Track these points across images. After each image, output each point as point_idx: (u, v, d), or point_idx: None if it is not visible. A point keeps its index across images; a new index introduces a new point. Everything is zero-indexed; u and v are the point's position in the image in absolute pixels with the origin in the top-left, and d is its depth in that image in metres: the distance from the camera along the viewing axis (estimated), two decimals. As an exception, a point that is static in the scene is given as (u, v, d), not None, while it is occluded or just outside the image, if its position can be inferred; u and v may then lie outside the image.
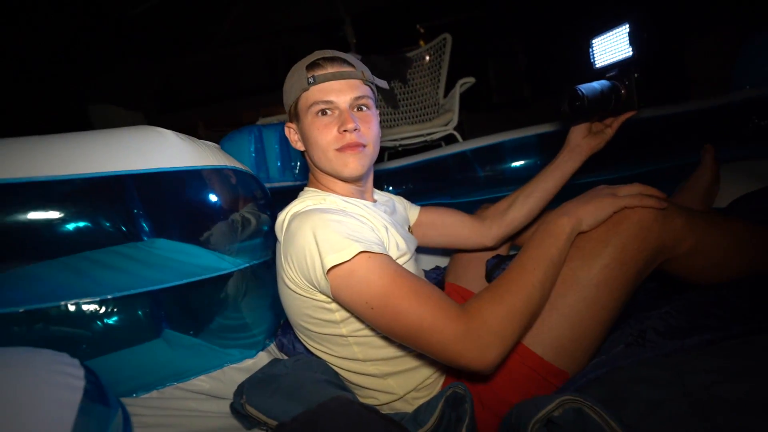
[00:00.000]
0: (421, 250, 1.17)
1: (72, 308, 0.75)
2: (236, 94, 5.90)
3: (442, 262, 1.40)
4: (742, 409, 0.53)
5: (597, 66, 0.98)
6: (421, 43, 4.89)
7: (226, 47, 5.30)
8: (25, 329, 0.73)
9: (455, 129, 2.59)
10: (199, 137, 0.92)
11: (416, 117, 2.93)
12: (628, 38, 0.86)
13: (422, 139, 2.69)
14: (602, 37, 0.91)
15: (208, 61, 5.79)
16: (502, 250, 1.15)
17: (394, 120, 2.95)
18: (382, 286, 0.67)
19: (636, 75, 0.88)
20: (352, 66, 0.84)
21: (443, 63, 2.79)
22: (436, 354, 0.66)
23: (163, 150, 0.82)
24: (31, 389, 0.51)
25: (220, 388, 0.88)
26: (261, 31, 5.15)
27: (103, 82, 2.80)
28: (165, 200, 0.82)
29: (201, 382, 0.87)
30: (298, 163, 1.54)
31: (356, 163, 0.81)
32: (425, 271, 1.29)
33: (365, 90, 0.84)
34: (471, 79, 2.60)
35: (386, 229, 0.83)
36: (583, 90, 0.86)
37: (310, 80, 0.81)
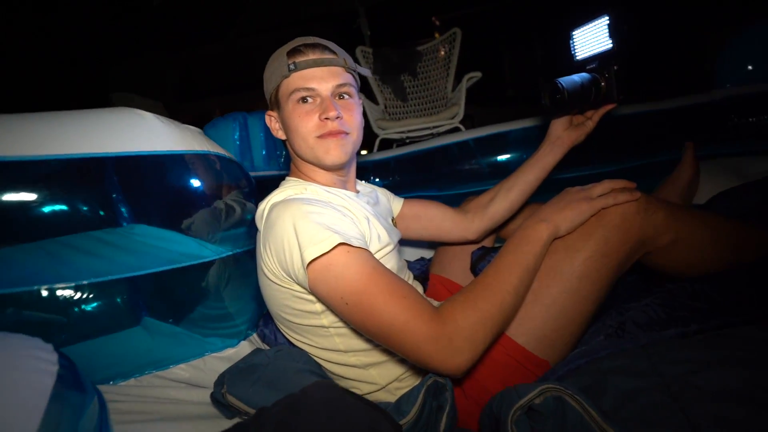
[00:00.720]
0: (405, 242, 1.17)
1: (47, 294, 0.73)
2: (252, 84, 5.94)
3: (427, 253, 1.40)
4: (717, 397, 0.54)
5: (578, 58, 0.98)
6: (436, 35, 4.89)
7: (242, 38, 5.38)
8: (-2, 314, 0.71)
9: (463, 122, 2.63)
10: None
11: (425, 110, 2.98)
12: (608, 30, 0.86)
13: (429, 131, 2.73)
14: (583, 29, 0.91)
15: (225, 51, 5.90)
16: (488, 242, 1.15)
17: (403, 113, 3.01)
18: (358, 282, 0.66)
19: (615, 68, 0.89)
20: (334, 53, 0.83)
21: (453, 57, 2.84)
22: (407, 354, 0.65)
23: (143, 133, 0.80)
24: (-1, 374, 0.50)
25: (201, 376, 0.87)
26: (276, 22, 5.20)
27: (124, 72, 2.84)
28: (145, 185, 0.81)
29: (181, 370, 0.87)
30: (284, 153, 1.51)
31: (338, 150, 0.81)
32: (409, 262, 1.29)
33: (347, 78, 0.83)
34: (477, 74, 2.64)
35: (368, 220, 0.83)
36: (563, 83, 0.86)
37: (291, 67, 0.80)
